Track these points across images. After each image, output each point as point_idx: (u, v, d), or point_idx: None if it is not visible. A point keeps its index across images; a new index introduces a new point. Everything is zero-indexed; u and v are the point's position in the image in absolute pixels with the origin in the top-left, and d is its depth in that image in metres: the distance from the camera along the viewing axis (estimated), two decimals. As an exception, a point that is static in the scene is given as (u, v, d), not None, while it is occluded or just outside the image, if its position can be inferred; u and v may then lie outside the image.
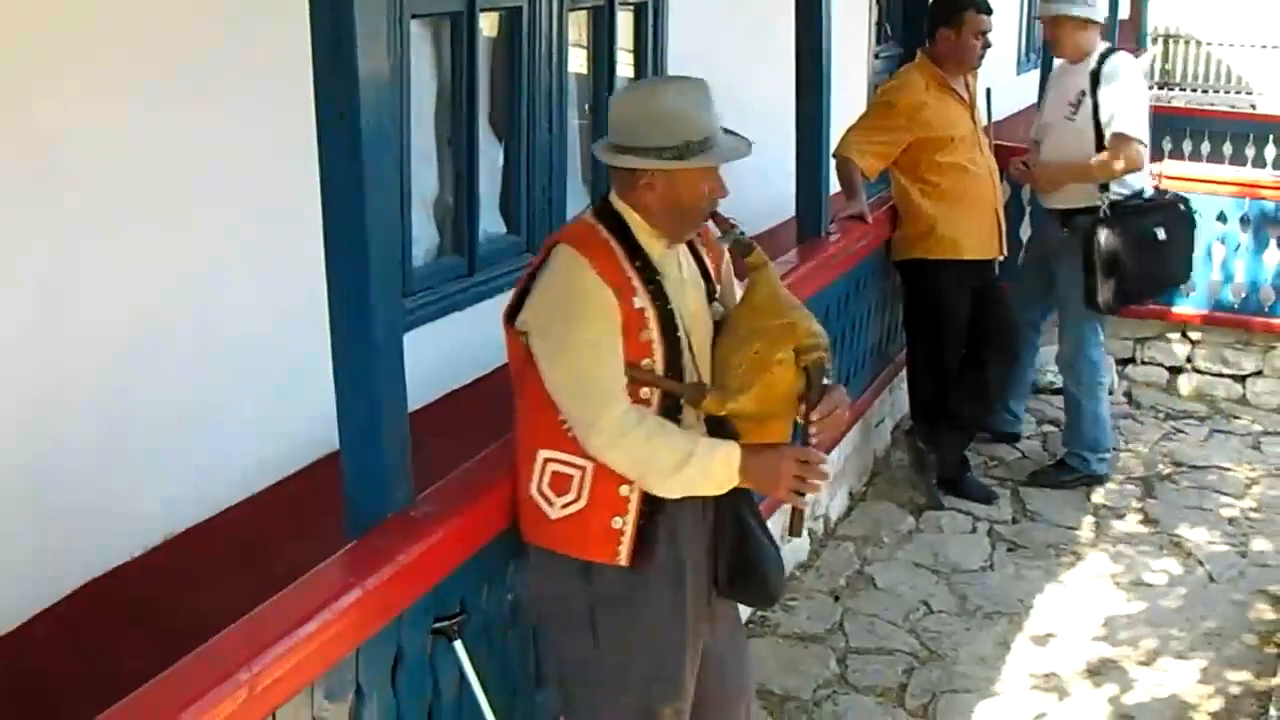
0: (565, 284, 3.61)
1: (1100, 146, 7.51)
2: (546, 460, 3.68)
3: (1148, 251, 7.64)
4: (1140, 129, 7.49)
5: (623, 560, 3.68)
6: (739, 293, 3.97)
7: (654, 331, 3.64)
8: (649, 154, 3.60)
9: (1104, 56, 7.68)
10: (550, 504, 3.70)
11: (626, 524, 3.67)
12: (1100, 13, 7.82)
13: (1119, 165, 7.45)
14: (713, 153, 3.63)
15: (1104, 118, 7.51)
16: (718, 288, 3.94)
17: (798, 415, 3.74)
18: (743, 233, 3.80)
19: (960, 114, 7.37)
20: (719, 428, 3.74)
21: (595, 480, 3.65)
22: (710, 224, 3.83)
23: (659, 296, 3.67)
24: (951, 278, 7.41)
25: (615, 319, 3.58)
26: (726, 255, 4.04)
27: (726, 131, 3.73)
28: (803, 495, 3.67)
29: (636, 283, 3.64)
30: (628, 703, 3.80)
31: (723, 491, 3.72)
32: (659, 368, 3.65)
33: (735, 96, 8.50)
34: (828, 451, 3.82)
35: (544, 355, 3.62)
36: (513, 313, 3.70)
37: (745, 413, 3.68)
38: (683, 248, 3.85)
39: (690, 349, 3.72)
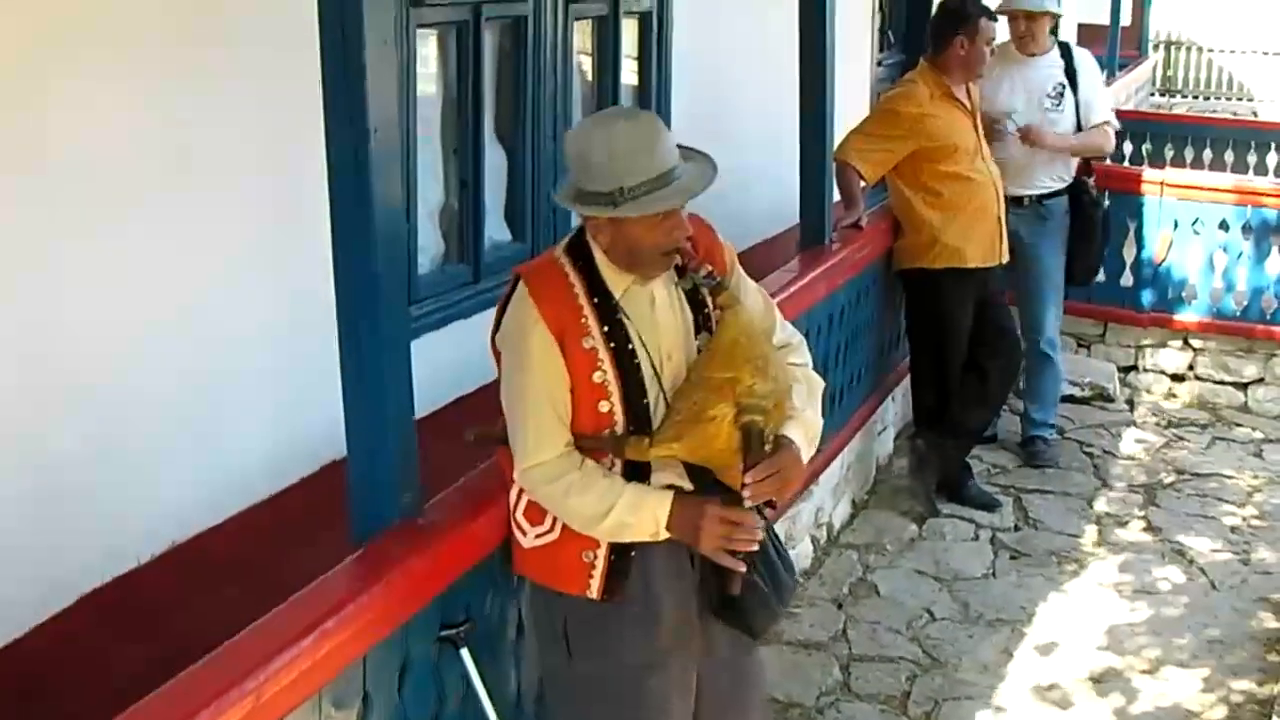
0: (513, 328, 3.59)
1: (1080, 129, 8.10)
2: (521, 490, 3.67)
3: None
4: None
5: (593, 594, 3.65)
6: (752, 292, 3.85)
7: (609, 372, 3.54)
8: (585, 199, 3.49)
9: (1066, 49, 8.25)
10: (524, 533, 3.70)
11: (597, 558, 3.63)
12: None
13: (1109, 147, 8.41)
14: (645, 199, 3.42)
15: (1084, 106, 8.08)
16: (714, 314, 3.70)
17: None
18: (711, 273, 3.59)
19: (964, 123, 7.38)
20: (694, 469, 3.62)
21: None
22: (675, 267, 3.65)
23: (614, 337, 3.56)
24: (955, 287, 7.41)
25: (556, 367, 3.51)
26: (733, 256, 3.87)
27: (688, 154, 3.57)
28: (735, 555, 3.55)
29: (591, 323, 3.54)
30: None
31: (659, 540, 3.61)
32: (617, 409, 3.56)
33: (738, 104, 8.57)
34: (778, 511, 3.67)
35: (500, 388, 3.66)
36: (495, 335, 3.71)
37: (681, 459, 3.57)
38: (664, 281, 3.67)
39: (661, 386, 3.61)
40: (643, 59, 7.71)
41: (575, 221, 6.47)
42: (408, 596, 3.48)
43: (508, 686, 4.01)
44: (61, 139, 4.30)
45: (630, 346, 3.56)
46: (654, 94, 7.66)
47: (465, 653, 3.67)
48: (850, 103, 9.58)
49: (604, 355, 3.54)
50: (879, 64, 11.39)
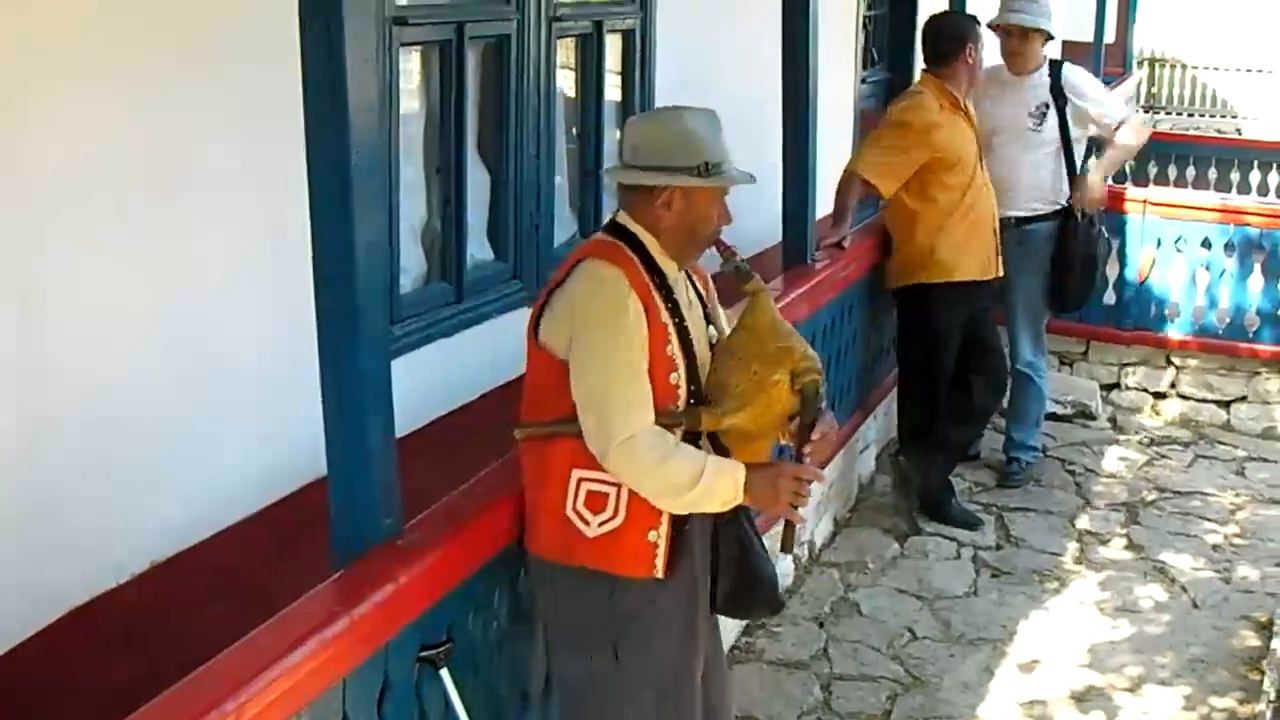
0: (601, 298, 3.71)
1: (1068, 151, 8.13)
2: (581, 480, 3.75)
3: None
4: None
5: (659, 573, 3.79)
6: (724, 322, 4.07)
7: (676, 347, 3.76)
8: (672, 172, 3.75)
9: (1056, 67, 8.19)
10: (587, 523, 3.77)
11: (660, 537, 3.78)
12: None
13: (1142, 138, 8.77)
14: (730, 175, 3.83)
15: (1099, 117, 8.23)
16: (709, 313, 4.05)
17: (781, 436, 3.92)
18: (743, 260, 3.90)
19: (968, 134, 7.43)
20: (714, 448, 3.84)
21: (631, 496, 3.74)
22: (714, 249, 3.94)
23: (676, 314, 3.80)
24: (948, 301, 7.44)
25: (644, 334, 3.69)
26: (712, 284, 4.15)
27: None
28: (797, 509, 3.79)
29: (658, 299, 3.76)
30: (641, 717, 3.89)
31: (726, 509, 3.83)
32: (682, 382, 3.77)
33: (722, 122, 8.56)
34: (822, 469, 3.93)
35: (575, 369, 3.70)
36: (536, 326, 3.79)
37: (740, 430, 3.80)
38: (682, 275, 3.95)
39: (698, 366, 3.84)
40: (626, 77, 7.70)
41: (557, 242, 6.53)
42: (388, 618, 3.47)
43: (487, 706, 4.00)
44: (44, 156, 4.28)
45: (685, 324, 3.82)
46: (637, 111, 7.66)
47: (445, 673, 3.67)
48: (834, 119, 9.60)
49: (672, 330, 3.77)
50: (863, 81, 11.40)
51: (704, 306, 4.03)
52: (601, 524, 3.76)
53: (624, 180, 3.90)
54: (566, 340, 3.71)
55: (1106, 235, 8.50)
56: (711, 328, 3.99)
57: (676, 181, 3.76)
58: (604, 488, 3.75)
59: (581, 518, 3.77)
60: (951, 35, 7.47)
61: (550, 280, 3.89)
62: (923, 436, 7.68)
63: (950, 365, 7.56)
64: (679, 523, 3.79)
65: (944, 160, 7.28)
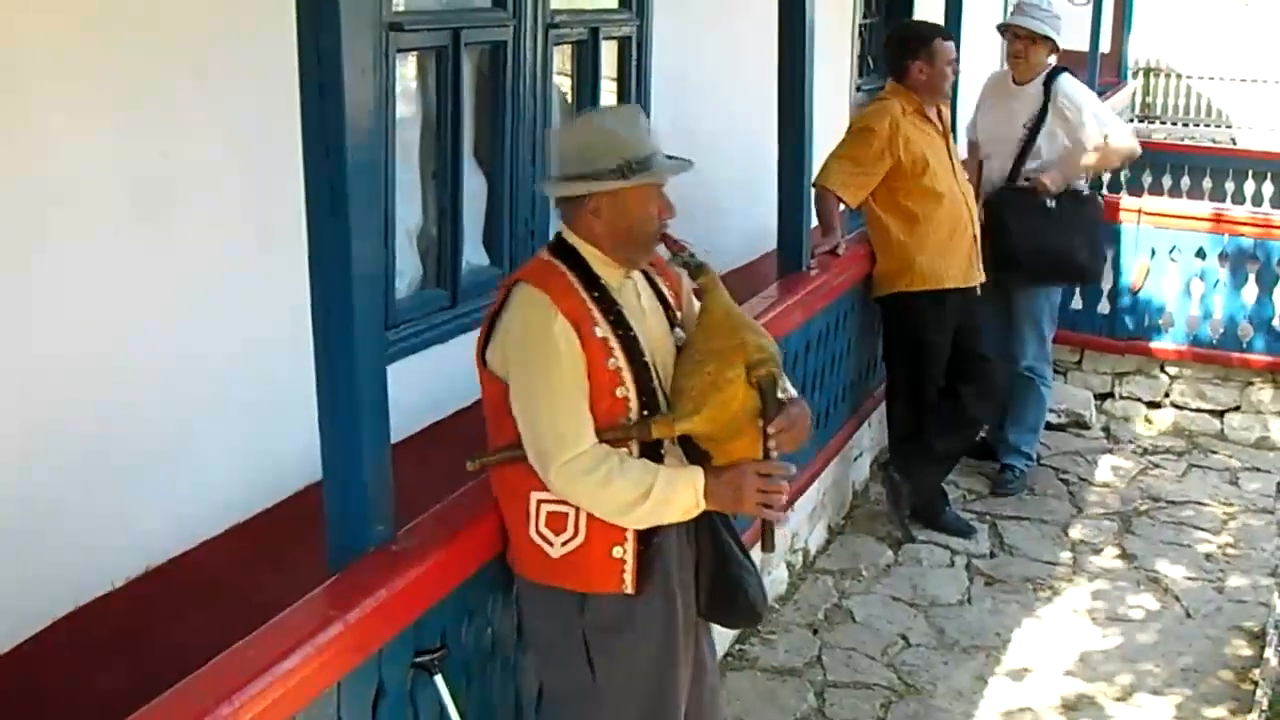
0: (527, 323, 3.67)
1: None
2: (540, 501, 3.73)
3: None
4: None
5: (628, 588, 3.75)
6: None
7: (620, 359, 3.69)
8: (591, 178, 3.67)
9: (1051, 79, 8.14)
10: (550, 544, 3.75)
11: (627, 552, 3.74)
12: None
13: (1113, 162, 8.70)
14: (653, 170, 3.70)
15: (1094, 131, 8.10)
16: (678, 315, 3.99)
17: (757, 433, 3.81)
18: (693, 255, 3.84)
19: (937, 141, 7.41)
20: (692, 455, 3.80)
21: (589, 514, 3.70)
22: (661, 248, 3.89)
23: (620, 324, 3.72)
24: (933, 309, 7.42)
25: (578, 356, 3.63)
26: (686, 282, 4.07)
27: (668, 157, 3.80)
28: (771, 508, 3.76)
29: (596, 313, 3.70)
30: None
31: (691, 518, 3.79)
32: (631, 394, 3.70)
33: (717, 128, 8.58)
34: (792, 458, 3.88)
35: (511, 398, 3.69)
36: (483, 351, 3.77)
37: (701, 434, 3.74)
38: (640, 278, 3.91)
39: (657, 374, 3.78)
40: (622, 83, 7.72)
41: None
42: (382, 623, 3.47)
43: (481, 712, 4.00)
44: (39, 158, 4.28)
45: (633, 334, 3.73)
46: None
47: (439, 679, 3.67)
48: (829, 126, 9.59)
49: (614, 342, 3.69)
50: (858, 89, 11.42)
51: (669, 310, 3.96)
52: (564, 544, 3.73)
53: (549, 193, 3.87)
54: (511, 367, 3.70)
55: (1099, 200, 8.66)
56: (678, 330, 3.93)
57: (599, 187, 3.67)
58: (562, 508, 3.72)
59: (545, 539, 3.75)
60: (899, 50, 7.50)
61: (492, 304, 3.83)
62: (912, 445, 7.68)
63: (937, 374, 7.56)
64: (646, 536, 3.74)
65: (913, 164, 7.26)
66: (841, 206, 7.38)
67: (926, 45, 7.34)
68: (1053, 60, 8.21)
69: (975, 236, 7.55)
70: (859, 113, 7.58)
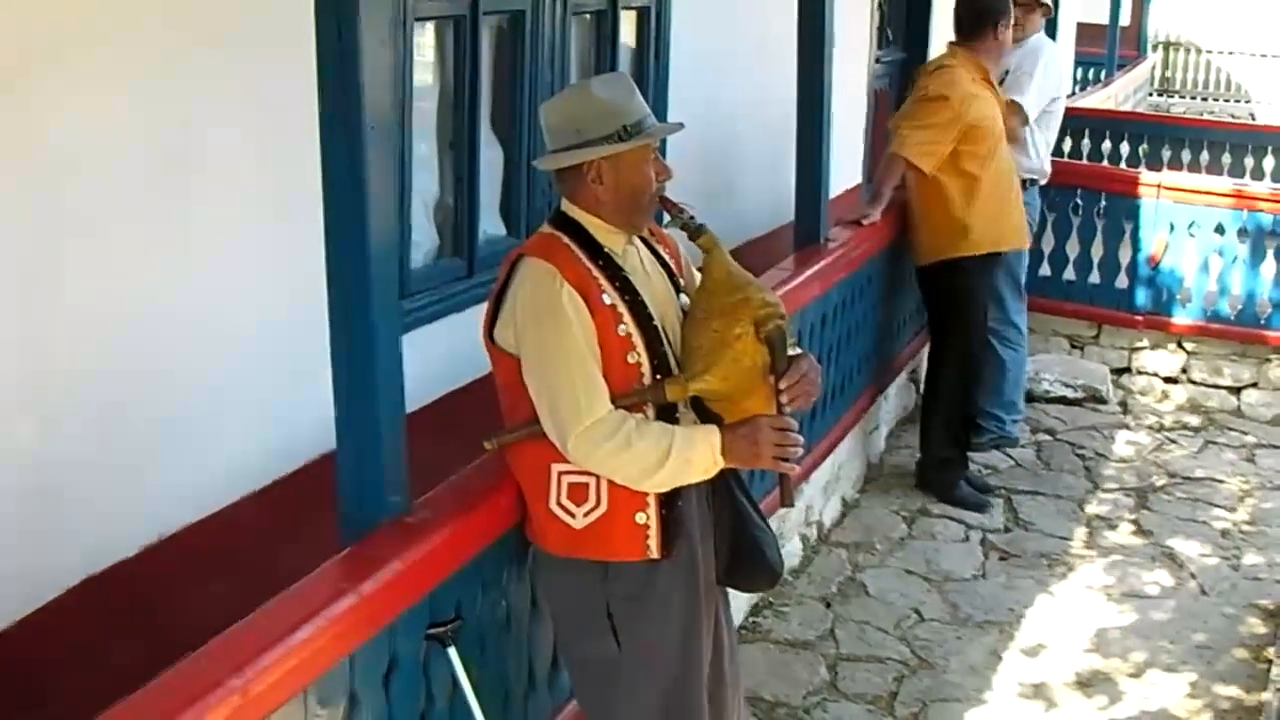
0: (535, 295, 3.66)
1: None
2: (561, 474, 3.73)
3: None
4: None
5: (653, 553, 3.75)
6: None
7: (630, 324, 3.70)
8: (592, 145, 3.69)
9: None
10: (573, 515, 3.74)
11: (650, 517, 3.74)
12: None
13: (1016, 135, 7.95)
14: (649, 131, 3.74)
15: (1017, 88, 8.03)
16: (681, 280, 4.00)
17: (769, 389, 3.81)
18: (693, 216, 3.83)
19: (996, 107, 7.46)
20: (705, 419, 3.80)
21: (611, 482, 3.70)
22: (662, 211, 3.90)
23: (627, 290, 3.74)
24: (986, 273, 7.52)
25: (588, 323, 3.64)
26: (683, 248, 4.09)
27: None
28: (788, 460, 3.76)
29: (603, 280, 3.71)
30: (647, 701, 3.86)
31: (710, 476, 3.79)
32: (643, 358, 3.70)
33: (737, 99, 8.56)
34: (805, 412, 3.88)
35: (525, 371, 3.69)
36: (490, 329, 3.76)
37: (714, 392, 3.73)
38: (640, 245, 3.92)
39: (666, 337, 3.79)
40: (641, 54, 7.69)
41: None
42: (396, 595, 3.47)
43: (494, 685, 4.00)
44: (53, 134, 4.27)
45: (640, 299, 3.75)
46: (651, 89, 7.64)
47: (453, 651, 3.66)
48: (848, 99, 9.59)
49: (623, 308, 3.70)
50: (877, 61, 11.38)
51: (672, 275, 3.98)
52: (587, 514, 3.73)
53: (546, 166, 3.86)
54: (521, 341, 3.70)
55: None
56: (683, 295, 3.93)
57: (598, 153, 3.69)
58: (583, 479, 3.71)
59: (567, 510, 3.74)
60: (982, 12, 7.47)
61: (496, 281, 3.82)
62: (959, 417, 7.73)
63: (985, 338, 7.63)
64: (669, 500, 3.75)
65: (978, 130, 7.31)
66: (895, 182, 7.43)
67: (1007, 9, 7.41)
68: (1043, 22, 8.36)
69: (1020, 198, 7.65)
70: (926, 79, 7.53)
